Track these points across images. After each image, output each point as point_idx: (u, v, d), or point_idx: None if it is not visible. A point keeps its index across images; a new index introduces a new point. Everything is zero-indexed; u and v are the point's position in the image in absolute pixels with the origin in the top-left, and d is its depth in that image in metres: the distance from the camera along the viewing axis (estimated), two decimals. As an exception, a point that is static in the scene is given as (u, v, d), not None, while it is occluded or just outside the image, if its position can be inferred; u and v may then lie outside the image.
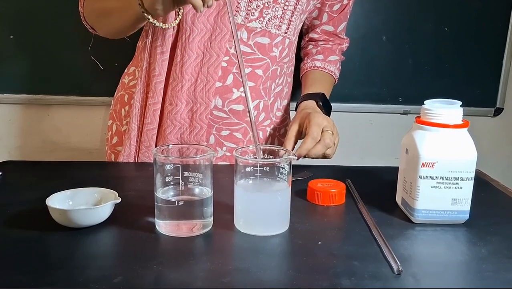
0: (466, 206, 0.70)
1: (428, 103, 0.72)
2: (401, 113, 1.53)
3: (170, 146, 0.71)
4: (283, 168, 0.67)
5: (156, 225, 0.68)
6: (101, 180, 0.82)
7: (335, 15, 1.10)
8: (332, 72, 1.12)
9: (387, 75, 1.49)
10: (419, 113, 0.73)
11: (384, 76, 1.49)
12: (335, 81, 1.15)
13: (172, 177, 0.66)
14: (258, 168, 0.67)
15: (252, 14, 0.94)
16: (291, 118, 1.16)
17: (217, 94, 0.96)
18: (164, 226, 0.67)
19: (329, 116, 1.04)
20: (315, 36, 1.13)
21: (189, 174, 0.66)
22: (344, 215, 0.73)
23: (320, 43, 1.14)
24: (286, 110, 1.14)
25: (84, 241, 0.64)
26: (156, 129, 0.99)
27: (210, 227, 0.68)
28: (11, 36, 1.41)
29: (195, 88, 0.96)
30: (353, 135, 1.57)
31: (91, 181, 0.80)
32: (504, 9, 1.45)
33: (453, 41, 1.46)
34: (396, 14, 1.45)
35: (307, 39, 1.15)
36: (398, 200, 0.77)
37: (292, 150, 0.93)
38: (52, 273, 0.56)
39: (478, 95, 1.51)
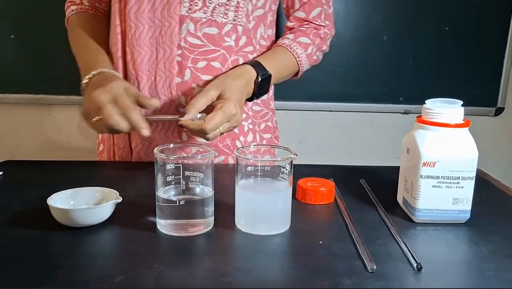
0: (467, 206, 0.70)
1: (429, 103, 0.72)
2: (401, 113, 1.53)
3: (171, 145, 0.71)
4: (284, 168, 0.67)
5: (157, 225, 0.68)
6: (102, 180, 0.82)
7: (306, 1, 1.04)
8: (297, 54, 1.01)
9: (388, 75, 1.49)
10: (420, 113, 0.73)
11: (384, 76, 1.49)
12: (299, 67, 1.04)
13: (173, 176, 0.66)
14: (259, 168, 0.67)
15: (196, 4, 0.92)
16: (273, 112, 1.12)
17: (178, 90, 0.94)
18: (165, 226, 0.67)
19: (257, 97, 0.95)
20: (290, 24, 1.07)
21: (190, 173, 0.66)
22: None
23: (294, 30, 1.06)
24: (266, 103, 1.07)
25: (85, 240, 0.64)
26: None
27: (211, 227, 0.68)
28: (12, 36, 1.42)
29: (156, 86, 0.94)
30: (353, 135, 1.57)
31: (92, 180, 0.80)
32: (505, 9, 1.45)
33: (453, 40, 1.46)
34: (397, 14, 1.45)
35: (285, 29, 1.09)
36: (399, 199, 0.77)
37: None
38: (53, 272, 0.56)
39: (479, 95, 1.52)
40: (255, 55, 1.00)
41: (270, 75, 0.95)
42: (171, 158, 0.66)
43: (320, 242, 0.64)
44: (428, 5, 1.44)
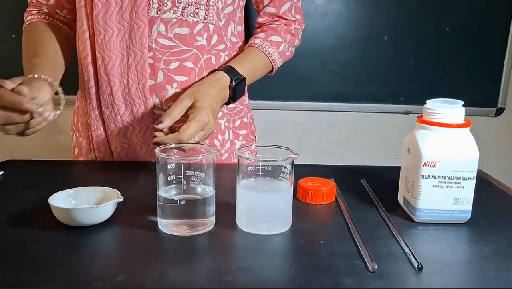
0: (468, 205, 0.70)
1: (430, 103, 0.72)
2: (402, 113, 1.53)
3: (173, 145, 0.71)
4: (285, 167, 0.67)
5: (158, 224, 0.68)
6: (102, 179, 0.82)
7: None
8: (269, 54, 1.02)
9: (389, 75, 1.49)
10: (420, 113, 0.74)
11: (385, 76, 1.49)
12: (273, 66, 1.05)
13: (174, 176, 0.66)
14: (260, 167, 0.67)
15: (165, 4, 0.91)
16: (248, 107, 1.12)
17: (153, 93, 0.94)
18: (166, 225, 0.67)
19: (233, 101, 0.97)
20: (260, 20, 1.06)
21: (192, 173, 0.66)
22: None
23: (265, 27, 1.06)
24: (240, 100, 1.05)
25: (87, 240, 0.64)
26: (104, 134, 0.99)
27: (212, 226, 0.68)
28: (13, 36, 1.42)
29: (129, 90, 0.93)
30: (354, 135, 1.58)
31: (93, 180, 0.80)
32: (505, 10, 1.45)
33: (454, 41, 1.46)
34: (398, 14, 1.45)
35: (256, 25, 1.08)
36: (400, 199, 0.77)
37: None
38: (54, 271, 0.56)
39: (479, 95, 1.52)
40: (226, 52, 1.01)
41: (244, 79, 0.97)
42: (173, 158, 0.66)
43: (321, 241, 0.65)
44: (429, 5, 1.44)
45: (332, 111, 1.54)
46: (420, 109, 0.73)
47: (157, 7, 0.91)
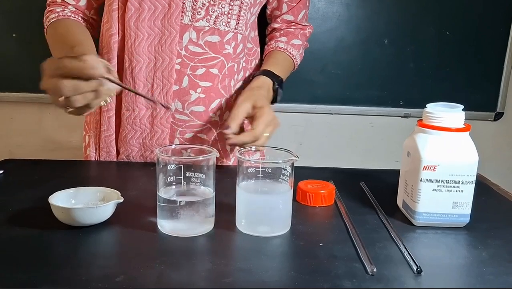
0: (467, 209, 0.71)
1: (430, 107, 0.72)
2: (402, 116, 1.53)
3: (173, 146, 0.71)
4: (285, 170, 0.68)
5: (158, 225, 0.68)
6: (103, 179, 0.82)
7: (294, 4, 1.09)
8: (293, 56, 1.09)
9: (389, 78, 1.49)
10: (420, 117, 0.74)
11: (385, 79, 1.49)
12: (295, 67, 1.13)
13: (174, 176, 0.66)
14: (260, 169, 0.68)
15: (199, 13, 0.93)
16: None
17: (175, 97, 0.96)
18: (166, 226, 0.67)
19: (276, 101, 1.02)
20: (276, 25, 1.12)
21: (192, 174, 0.67)
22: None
23: (282, 31, 1.12)
24: None
25: (86, 240, 0.64)
26: (114, 135, 0.99)
27: (212, 228, 0.68)
28: (14, 35, 1.42)
29: (153, 94, 0.95)
30: (353, 138, 1.58)
31: (93, 180, 0.80)
32: (506, 14, 1.46)
33: (454, 45, 1.47)
34: (398, 18, 1.45)
35: (270, 29, 1.14)
36: (399, 202, 0.78)
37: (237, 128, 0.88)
38: (54, 271, 0.56)
39: (478, 100, 1.52)
40: (244, 59, 1.04)
41: (282, 80, 1.03)
42: (173, 158, 0.66)
43: (321, 244, 0.65)
44: (430, 9, 1.45)
45: (332, 114, 1.54)
46: (419, 113, 0.74)
47: (191, 15, 0.93)
